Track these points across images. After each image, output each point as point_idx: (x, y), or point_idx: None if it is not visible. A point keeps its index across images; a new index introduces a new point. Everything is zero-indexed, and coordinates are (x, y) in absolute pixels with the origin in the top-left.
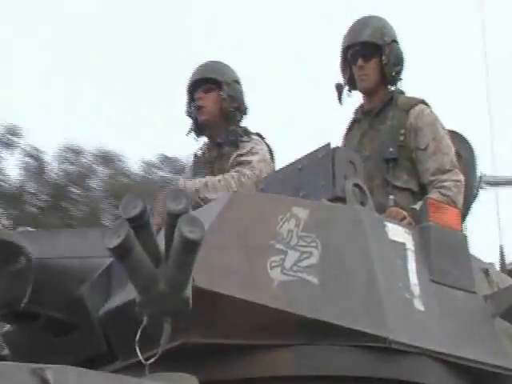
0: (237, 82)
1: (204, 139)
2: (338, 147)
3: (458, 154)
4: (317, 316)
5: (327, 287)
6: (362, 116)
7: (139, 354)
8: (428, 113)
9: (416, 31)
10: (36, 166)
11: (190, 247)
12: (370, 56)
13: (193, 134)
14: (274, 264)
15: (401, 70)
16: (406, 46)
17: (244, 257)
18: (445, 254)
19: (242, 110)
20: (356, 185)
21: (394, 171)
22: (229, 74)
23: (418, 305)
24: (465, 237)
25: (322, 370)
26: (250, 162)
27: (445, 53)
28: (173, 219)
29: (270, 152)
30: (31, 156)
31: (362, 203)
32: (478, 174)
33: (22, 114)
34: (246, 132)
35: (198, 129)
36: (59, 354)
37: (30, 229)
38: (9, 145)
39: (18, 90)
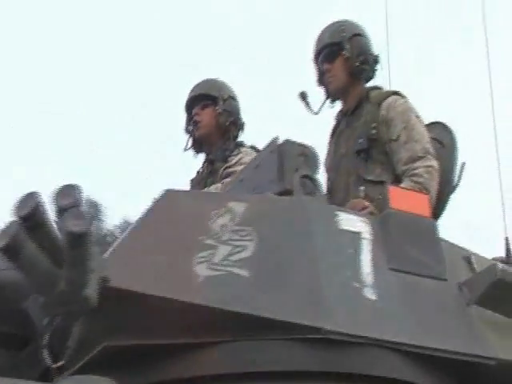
0: (233, 98)
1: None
2: (286, 140)
3: (441, 143)
4: (245, 310)
5: (260, 280)
6: (341, 118)
7: (47, 359)
8: (400, 103)
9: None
10: None
11: (76, 241)
12: (334, 57)
13: (192, 151)
14: (200, 260)
15: (366, 59)
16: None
17: (169, 255)
18: (408, 241)
19: (237, 125)
20: (305, 176)
21: (366, 165)
22: (225, 90)
23: (369, 294)
24: (433, 223)
25: (248, 367)
26: (235, 172)
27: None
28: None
29: None
30: None
31: (311, 194)
32: (460, 161)
33: None
34: (237, 145)
35: (197, 145)
36: (19, 369)
37: None
38: None
39: None
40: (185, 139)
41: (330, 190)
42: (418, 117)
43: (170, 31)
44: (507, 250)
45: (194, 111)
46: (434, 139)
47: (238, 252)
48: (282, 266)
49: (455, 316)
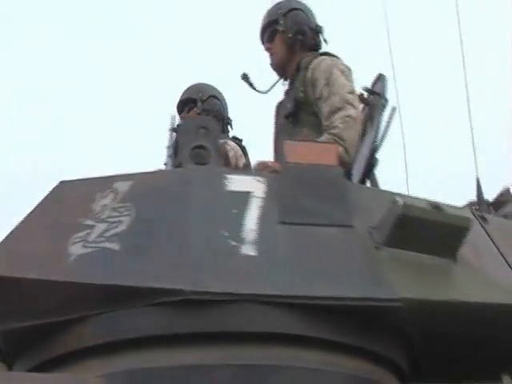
0: (214, 96)
1: None
2: (186, 117)
3: (373, 92)
4: (111, 282)
5: (130, 252)
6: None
7: None
8: (325, 62)
9: None
10: None
11: None
12: (273, 35)
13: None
14: (76, 240)
15: (301, 30)
16: None
17: (49, 240)
18: (305, 193)
19: (219, 120)
20: (198, 146)
21: (295, 129)
22: (205, 91)
23: (249, 251)
24: (338, 171)
25: (120, 335)
26: None
27: None
28: None
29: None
30: None
31: (203, 163)
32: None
33: None
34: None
35: None
36: None
37: None
38: None
39: None
40: None
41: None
42: (343, 71)
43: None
44: (478, 191)
45: (181, 116)
46: (374, 92)
47: (114, 228)
48: (154, 236)
49: (358, 262)
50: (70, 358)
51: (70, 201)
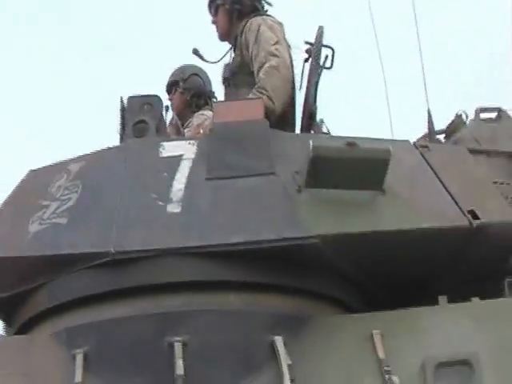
0: (195, 74)
1: None
2: (129, 97)
3: (310, 43)
4: (55, 252)
5: (72, 224)
6: None
7: None
8: (255, 22)
9: None
10: None
11: None
12: (216, 10)
13: None
14: (34, 219)
15: None
16: None
17: (11, 223)
18: (231, 149)
19: (201, 95)
20: (140, 121)
21: (235, 91)
22: (186, 71)
23: (174, 209)
24: (262, 124)
25: (64, 298)
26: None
27: None
28: None
29: None
30: None
31: (143, 136)
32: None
33: None
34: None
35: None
36: None
37: None
38: None
39: None
40: None
41: None
42: (270, 26)
43: None
44: (429, 122)
45: (169, 97)
46: (311, 43)
47: (64, 204)
48: (92, 207)
49: (277, 206)
50: (32, 322)
51: (34, 186)
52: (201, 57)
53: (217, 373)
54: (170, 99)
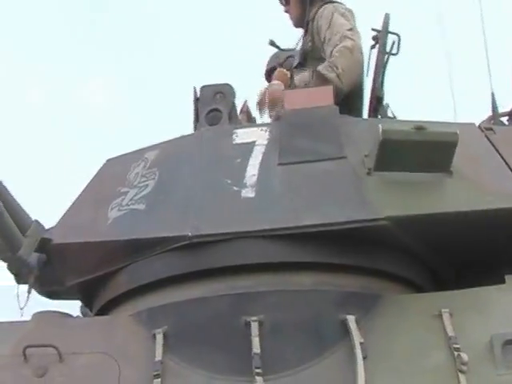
0: (291, 56)
1: None
2: (202, 86)
3: (377, 30)
4: (138, 236)
5: (150, 209)
6: None
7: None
8: (327, 9)
9: None
10: None
11: None
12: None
13: None
14: (114, 206)
15: None
16: None
17: (93, 208)
18: (301, 134)
19: None
20: (213, 110)
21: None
22: (281, 56)
23: (248, 193)
24: (332, 110)
25: (143, 280)
26: None
27: None
28: None
29: None
30: None
31: (216, 123)
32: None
33: None
34: None
35: None
36: None
37: None
38: None
39: None
40: None
41: None
42: (343, 14)
43: None
44: (493, 104)
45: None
46: (378, 30)
47: (142, 191)
48: (169, 193)
49: (347, 189)
50: (112, 304)
51: (112, 174)
52: (277, 46)
53: (291, 351)
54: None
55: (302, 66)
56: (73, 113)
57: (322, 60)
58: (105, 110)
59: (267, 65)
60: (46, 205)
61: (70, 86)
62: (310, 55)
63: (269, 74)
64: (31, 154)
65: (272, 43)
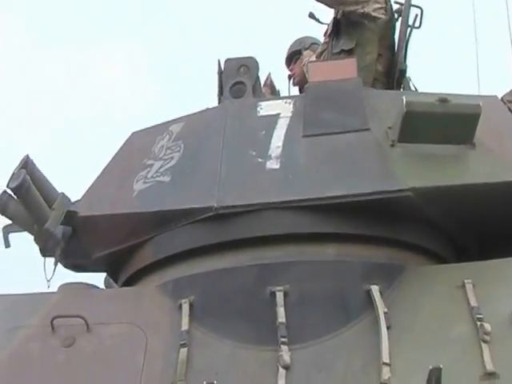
0: (315, 43)
1: None
2: (226, 59)
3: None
4: (164, 208)
5: (176, 181)
6: None
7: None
8: None
9: None
10: None
11: (15, 193)
12: None
13: None
14: (139, 178)
15: None
16: None
17: (118, 181)
18: (325, 106)
19: None
20: (238, 82)
21: (335, 42)
22: (306, 41)
23: (273, 165)
24: (355, 82)
25: (169, 252)
26: None
27: None
28: None
29: None
30: None
31: (239, 97)
32: None
33: None
34: None
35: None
36: None
37: None
38: None
39: None
40: None
41: None
42: None
43: None
44: None
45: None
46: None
47: (167, 163)
48: (194, 166)
49: (371, 161)
50: (138, 275)
51: (137, 147)
52: (317, 20)
53: (316, 320)
54: (290, 70)
55: (335, 33)
56: (97, 87)
57: (354, 26)
58: (129, 83)
59: (289, 50)
60: (73, 178)
61: (93, 60)
62: (343, 21)
63: (290, 59)
64: (57, 130)
65: (311, 15)
